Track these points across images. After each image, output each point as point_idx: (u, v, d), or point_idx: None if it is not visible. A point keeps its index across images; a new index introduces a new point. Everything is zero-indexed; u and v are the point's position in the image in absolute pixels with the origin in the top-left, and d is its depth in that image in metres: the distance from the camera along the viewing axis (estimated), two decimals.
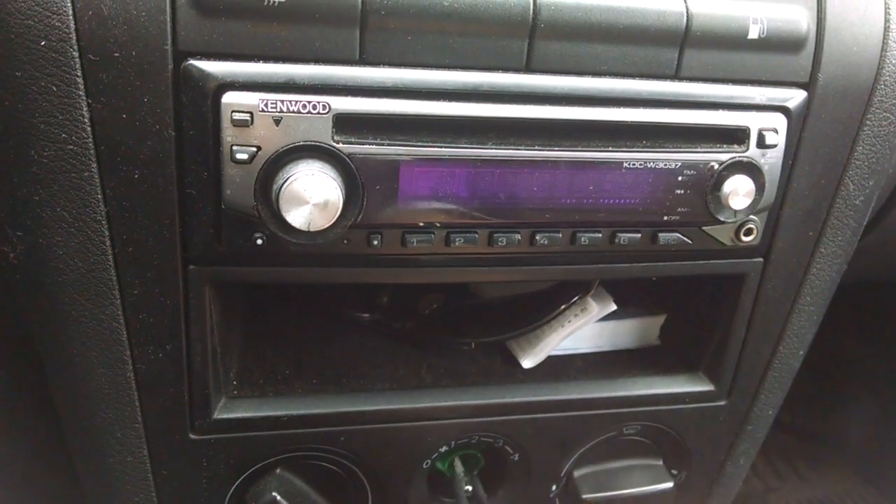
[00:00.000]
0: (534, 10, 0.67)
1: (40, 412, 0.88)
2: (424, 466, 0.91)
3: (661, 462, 1.01)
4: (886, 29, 0.78)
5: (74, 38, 0.60)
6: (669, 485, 0.99)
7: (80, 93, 0.62)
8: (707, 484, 1.06)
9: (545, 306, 0.92)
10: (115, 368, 0.74)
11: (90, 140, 0.63)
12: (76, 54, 0.61)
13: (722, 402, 0.95)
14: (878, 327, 1.99)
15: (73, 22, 0.60)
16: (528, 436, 0.91)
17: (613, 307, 0.92)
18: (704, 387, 0.94)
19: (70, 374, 0.75)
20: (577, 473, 0.98)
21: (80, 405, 0.77)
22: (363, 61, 0.66)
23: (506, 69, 0.69)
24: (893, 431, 1.99)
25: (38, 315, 0.74)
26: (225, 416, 0.80)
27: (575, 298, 0.91)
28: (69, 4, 0.59)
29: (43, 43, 0.60)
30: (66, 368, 0.74)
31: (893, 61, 0.79)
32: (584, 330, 0.94)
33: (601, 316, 0.92)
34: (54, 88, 0.61)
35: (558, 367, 0.95)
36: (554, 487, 0.99)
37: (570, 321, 0.93)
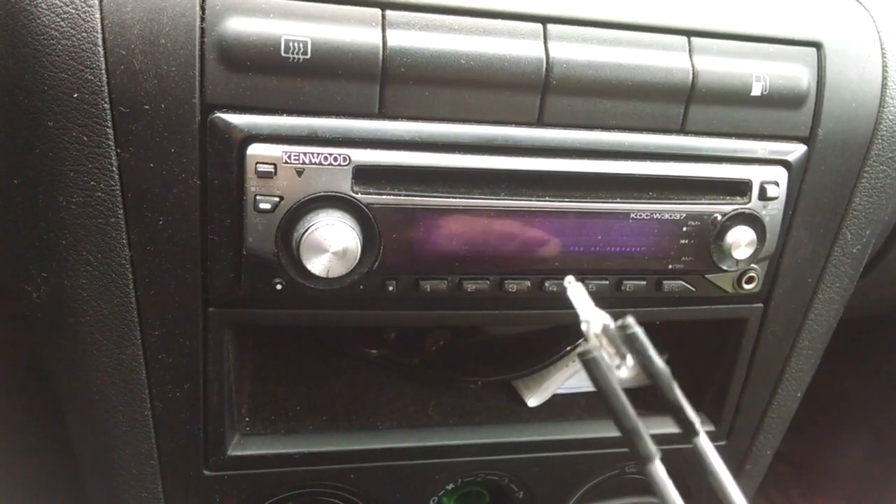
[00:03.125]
0: (546, 67, 0.69)
1: (55, 445, 0.90)
2: (432, 503, 0.92)
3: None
4: (884, 86, 0.81)
5: (106, 91, 0.62)
6: None
7: (110, 142, 0.64)
8: None
9: (551, 347, 0.94)
10: (133, 407, 0.75)
11: (118, 187, 0.66)
12: (107, 106, 0.63)
13: (722, 443, 0.97)
14: (872, 359, 2.01)
15: (105, 76, 0.62)
16: (532, 474, 0.93)
17: None
18: (705, 427, 0.96)
19: (88, 411, 0.76)
20: None
21: (96, 441, 0.78)
22: (382, 115, 0.68)
23: (519, 123, 0.71)
24: (885, 461, 2.00)
25: (58, 353, 0.76)
26: (238, 453, 0.82)
27: (580, 340, 0.93)
28: (102, 59, 0.62)
29: (76, 95, 0.62)
30: (85, 405, 0.76)
31: (890, 116, 0.82)
32: None
33: None
34: (85, 139, 0.64)
35: (562, 406, 0.97)
36: None
37: (574, 361, 0.95)
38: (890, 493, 1.94)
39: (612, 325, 0.55)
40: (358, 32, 0.65)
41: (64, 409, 0.80)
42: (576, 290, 0.56)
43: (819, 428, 2.11)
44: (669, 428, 0.95)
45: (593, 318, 0.54)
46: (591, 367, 0.53)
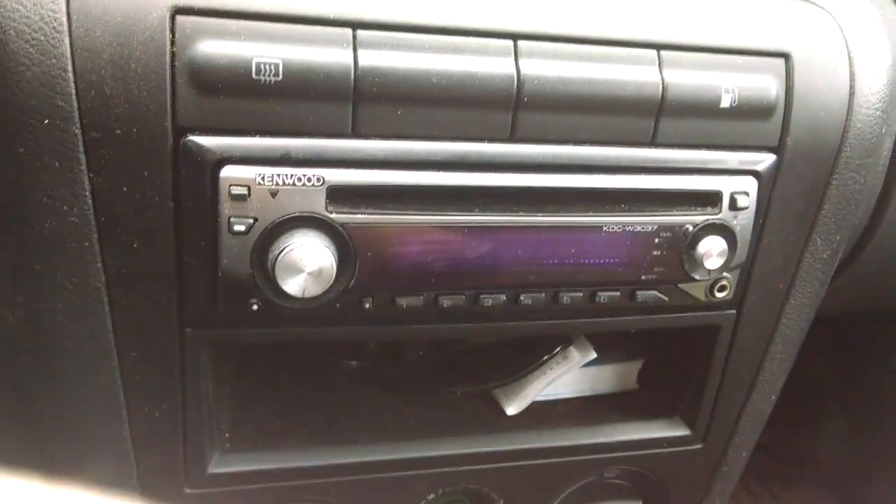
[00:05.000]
0: (518, 84, 0.70)
1: (34, 466, 0.90)
2: None
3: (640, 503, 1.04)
4: (852, 94, 0.83)
5: (77, 116, 0.62)
6: None
7: (82, 168, 0.64)
8: None
9: (529, 355, 0.95)
10: (111, 428, 0.75)
11: (91, 212, 0.66)
12: (79, 132, 0.63)
13: (698, 446, 0.99)
14: (849, 351, 2.04)
15: (76, 101, 0.62)
16: (512, 482, 0.94)
17: (594, 355, 0.95)
18: (681, 431, 0.98)
19: (67, 433, 0.76)
20: None
21: (76, 463, 0.78)
22: (356, 135, 0.68)
23: (491, 139, 0.72)
24: (864, 451, 2.03)
25: (35, 376, 0.75)
26: (219, 470, 0.82)
27: (557, 349, 0.94)
28: (73, 85, 0.62)
29: (47, 121, 0.62)
30: (63, 428, 0.76)
31: (858, 125, 0.83)
32: (566, 376, 0.98)
33: (583, 364, 0.96)
34: (57, 164, 0.63)
35: (541, 414, 0.98)
36: None
37: (552, 369, 0.96)
38: (868, 479, 1.97)
39: None
40: (329, 53, 0.66)
41: (43, 430, 0.80)
42: None
43: (797, 419, 2.13)
44: (655, 433, 0.97)
45: None
46: None
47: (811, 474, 2.20)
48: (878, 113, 0.84)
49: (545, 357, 0.94)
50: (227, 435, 0.86)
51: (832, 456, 2.15)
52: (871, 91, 0.83)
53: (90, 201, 0.65)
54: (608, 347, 1.01)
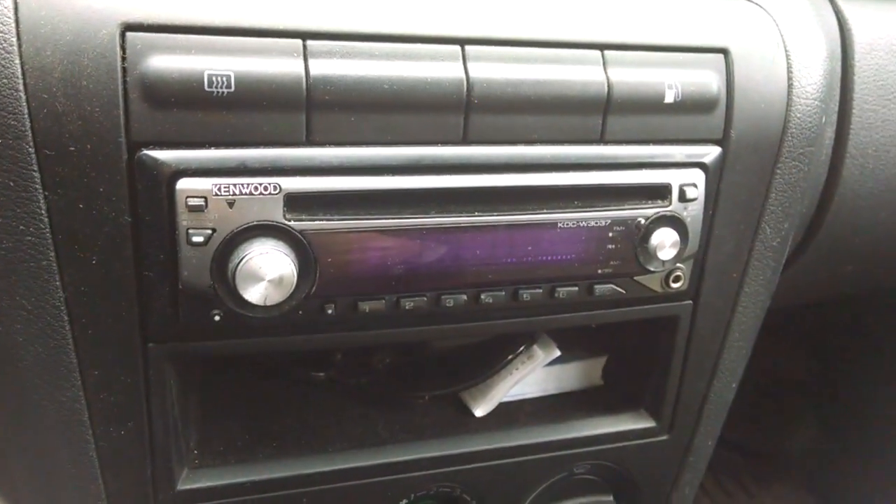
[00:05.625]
0: (467, 87, 0.72)
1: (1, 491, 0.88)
2: None
3: (611, 497, 1.05)
4: (790, 86, 0.86)
5: (30, 135, 0.62)
6: None
7: (37, 186, 0.64)
8: None
9: (494, 356, 0.96)
10: (77, 448, 0.75)
11: (47, 230, 0.65)
12: (32, 150, 0.63)
13: (664, 437, 1.01)
14: (818, 345, 2.08)
15: (28, 120, 0.62)
16: (484, 482, 0.95)
17: (558, 353, 0.97)
18: (647, 423, 1.00)
19: (31, 456, 0.76)
20: None
21: (43, 485, 0.78)
22: (310, 143, 0.69)
23: (444, 143, 0.73)
24: (836, 445, 2.06)
25: None
26: (188, 486, 0.81)
27: (521, 348, 0.95)
28: (24, 104, 0.62)
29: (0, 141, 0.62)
30: (27, 451, 0.75)
31: (798, 115, 0.86)
32: (532, 375, 0.99)
33: (547, 362, 0.97)
34: (11, 184, 0.63)
35: (509, 414, 0.99)
36: None
37: (517, 369, 0.97)
38: (841, 473, 2.00)
39: None
40: (280, 63, 0.67)
41: (7, 453, 0.79)
42: None
43: (768, 416, 2.17)
44: (622, 426, 0.99)
45: None
46: None
47: (785, 470, 2.23)
48: (816, 103, 0.87)
49: (510, 357, 0.96)
50: (195, 451, 0.86)
51: (805, 451, 2.18)
52: (808, 83, 0.87)
53: (46, 219, 0.65)
54: (572, 345, 1.03)
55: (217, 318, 0.70)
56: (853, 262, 1.17)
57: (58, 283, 0.68)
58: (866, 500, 1.92)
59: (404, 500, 0.92)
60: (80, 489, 0.77)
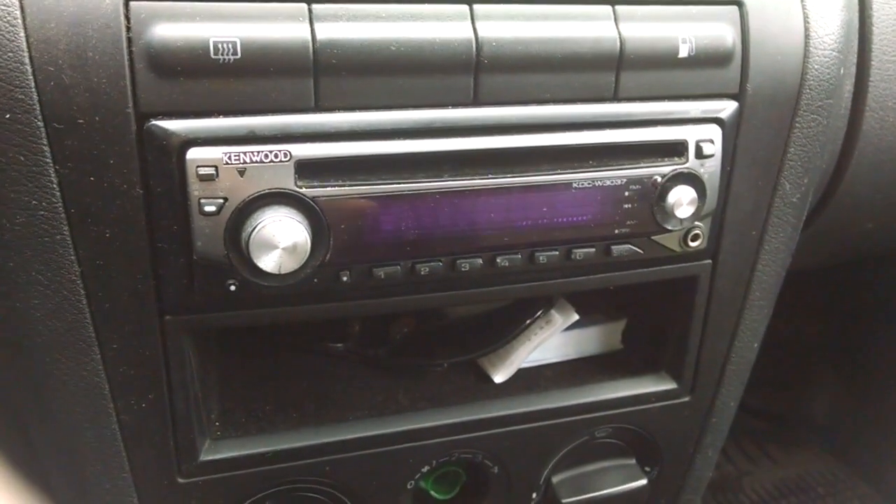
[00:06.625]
0: (476, 47, 0.71)
1: (25, 465, 0.90)
2: (409, 487, 0.94)
3: (633, 461, 1.05)
4: (807, 37, 0.84)
5: (38, 108, 0.62)
6: (643, 482, 1.03)
7: (48, 160, 0.64)
8: (679, 477, 1.10)
9: (512, 322, 0.96)
10: (99, 422, 0.75)
11: (60, 204, 0.65)
12: (41, 124, 0.63)
13: (686, 399, 1.00)
14: (839, 309, 2.06)
15: (35, 94, 0.62)
16: (505, 448, 0.95)
17: (576, 317, 0.96)
18: (668, 385, 0.99)
19: (55, 431, 0.76)
20: (555, 479, 1.02)
21: (67, 460, 0.78)
22: (319, 108, 0.69)
23: (455, 104, 0.72)
24: (858, 409, 2.05)
25: (18, 375, 0.75)
26: (211, 457, 0.82)
27: (539, 312, 0.95)
28: (31, 77, 0.61)
29: (8, 116, 0.62)
30: (51, 426, 0.76)
31: (816, 67, 0.84)
32: (551, 341, 0.98)
33: (565, 326, 0.96)
34: (22, 158, 0.63)
35: (529, 379, 0.98)
36: (534, 495, 1.02)
37: (536, 334, 0.96)
38: (863, 435, 1.99)
39: None
40: (286, 28, 0.66)
41: (31, 430, 0.80)
42: None
43: (790, 381, 2.16)
44: (643, 388, 0.98)
45: None
46: None
47: (808, 435, 2.22)
48: (834, 54, 0.85)
49: (528, 322, 0.95)
50: (216, 423, 0.87)
51: (828, 415, 2.17)
52: (825, 33, 0.85)
53: (58, 193, 0.65)
54: (590, 310, 1.02)
55: (232, 288, 0.70)
56: (874, 220, 1.15)
57: (73, 257, 0.68)
58: (890, 462, 1.91)
59: (426, 467, 0.93)
60: (104, 463, 0.78)
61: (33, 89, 0.62)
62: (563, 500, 1.01)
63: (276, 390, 0.94)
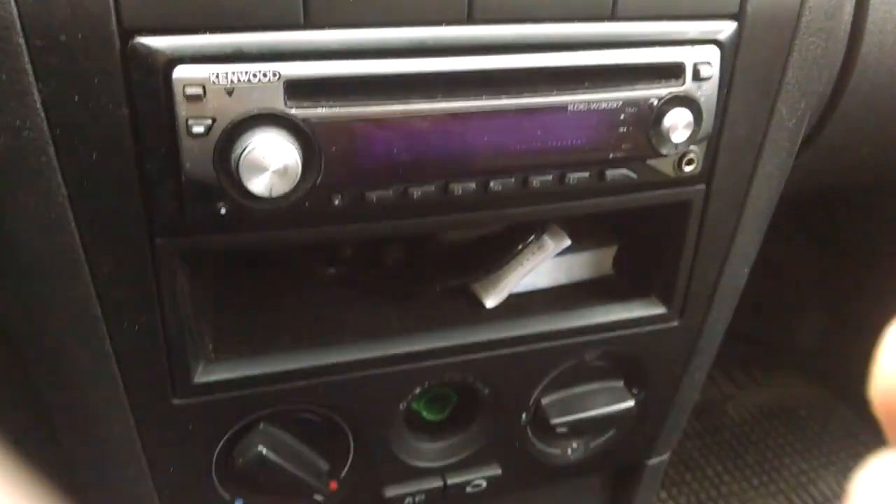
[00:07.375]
0: None
1: (22, 395, 0.90)
2: (401, 408, 0.95)
3: (621, 383, 1.07)
4: None
5: (19, 24, 0.60)
6: (630, 403, 1.06)
7: (30, 79, 0.62)
8: (666, 399, 1.13)
9: (504, 248, 0.96)
10: (93, 345, 0.76)
11: (45, 124, 0.64)
12: (21, 40, 0.61)
13: (675, 323, 1.01)
14: (824, 237, 2.07)
15: (15, 8, 0.60)
16: (496, 371, 0.96)
17: (568, 242, 0.96)
18: (658, 310, 1.00)
19: (49, 356, 0.76)
20: (544, 401, 1.04)
21: (62, 385, 0.79)
22: (308, 25, 0.66)
23: (449, 22, 0.70)
24: (840, 335, 2.08)
25: (9, 300, 0.75)
26: (205, 379, 0.83)
27: (531, 238, 0.95)
28: None
29: None
30: (45, 351, 0.76)
31: None
32: (542, 266, 0.98)
33: (557, 252, 0.97)
34: (4, 77, 0.61)
35: (520, 304, 0.99)
36: (524, 416, 1.04)
37: (528, 259, 0.96)
38: (849, 363, 2.03)
39: None
40: None
41: (26, 357, 0.80)
42: None
43: (777, 308, 2.18)
44: (633, 313, 0.99)
45: None
46: None
47: (794, 360, 2.26)
48: None
49: (520, 247, 0.95)
50: (210, 346, 0.87)
51: (814, 342, 2.20)
52: None
53: (42, 114, 0.63)
54: (582, 236, 1.02)
55: (223, 210, 0.69)
56: (869, 144, 1.14)
57: (60, 179, 0.66)
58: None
59: (418, 389, 0.94)
60: (99, 386, 0.79)
61: (12, 3, 0.59)
62: (553, 420, 1.03)
63: (269, 314, 0.94)
